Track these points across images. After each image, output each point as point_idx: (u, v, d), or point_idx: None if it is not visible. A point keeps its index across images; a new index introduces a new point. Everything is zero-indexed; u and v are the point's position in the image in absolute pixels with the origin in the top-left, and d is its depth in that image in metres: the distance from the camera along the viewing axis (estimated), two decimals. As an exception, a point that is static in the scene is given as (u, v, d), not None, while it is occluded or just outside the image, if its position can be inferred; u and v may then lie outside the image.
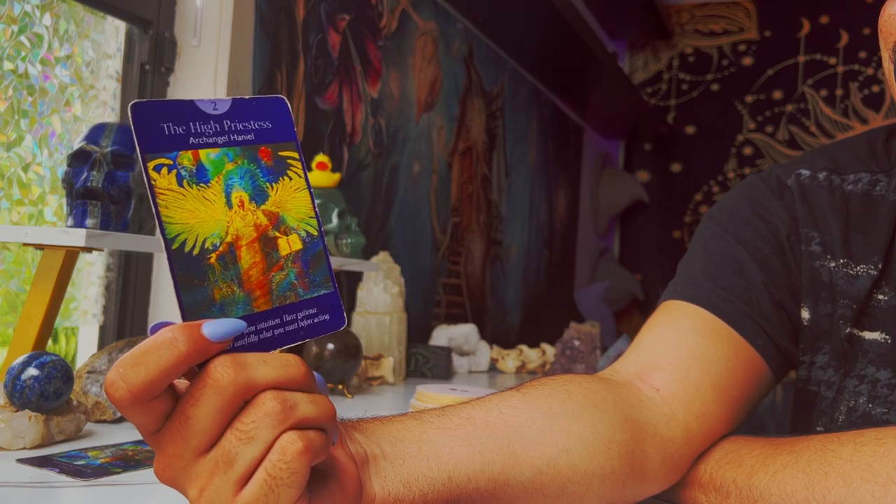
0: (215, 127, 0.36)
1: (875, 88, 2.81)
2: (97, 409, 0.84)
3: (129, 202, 0.86)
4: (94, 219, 0.84)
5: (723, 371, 0.58)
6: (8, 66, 1.01)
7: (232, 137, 0.36)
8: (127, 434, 0.80)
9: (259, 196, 0.36)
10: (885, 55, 0.58)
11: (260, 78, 1.30)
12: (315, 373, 0.36)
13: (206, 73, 1.23)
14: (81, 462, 0.67)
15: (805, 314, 0.63)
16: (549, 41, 2.14)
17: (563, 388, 0.52)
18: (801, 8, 2.94)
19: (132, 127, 0.34)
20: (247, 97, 0.38)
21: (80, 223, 0.84)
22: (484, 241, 2.20)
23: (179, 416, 0.32)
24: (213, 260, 0.34)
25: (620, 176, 3.11)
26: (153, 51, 1.21)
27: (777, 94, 2.97)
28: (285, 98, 0.39)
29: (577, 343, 1.49)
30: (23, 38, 1.04)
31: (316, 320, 0.37)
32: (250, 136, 0.37)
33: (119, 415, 0.85)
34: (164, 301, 1.23)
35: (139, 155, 0.34)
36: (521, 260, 2.48)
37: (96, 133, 0.86)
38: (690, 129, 3.13)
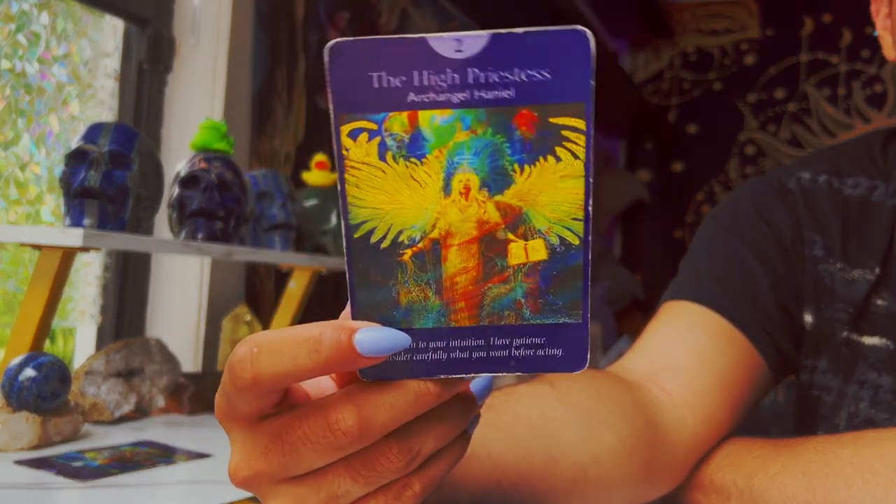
0: (453, 78, 0.25)
1: (878, 88, 2.80)
2: (95, 410, 0.84)
3: (127, 202, 0.86)
4: (92, 218, 0.83)
5: (728, 373, 0.58)
6: (5, 64, 1.01)
7: (477, 94, 0.25)
8: (125, 435, 0.79)
9: (496, 182, 0.26)
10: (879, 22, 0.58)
11: (259, 77, 1.30)
12: (478, 381, 0.30)
13: (204, 72, 1.22)
14: (79, 463, 0.66)
15: (808, 318, 0.63)
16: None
17: (593, 387, 0.52)
18: (803, 6, 2.93)
19: (327, 75, 0.25)
20: (518, 30, 0.25)
21: (77, 223, 0.83)
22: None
23: (283, 443, 0.28)
24: (406, 257, 0.27)
25: (621, 175, 3.11)
26: (151, 49, 1.21)
27: (779, 93, 2.97)
28: (587, 32, 0.25)
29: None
30: (20, 37, 1.03)
31: (539, 353, 0.28)
32: (508, 93, 0.25)
33: (117, 416, 0.85)
34: (162, 301, 1.22)
35: (331, 113, 0.26)
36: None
37: (94, 132, 0.86)
38: (692, 129, 3.12)
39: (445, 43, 0.25)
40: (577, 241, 0.27)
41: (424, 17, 1.83)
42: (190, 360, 1.17)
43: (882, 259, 0.61)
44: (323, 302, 1.27)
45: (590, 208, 0.26)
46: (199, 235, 0.94)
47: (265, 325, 1.18)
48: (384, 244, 0.27)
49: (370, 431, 0.27)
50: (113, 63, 1.19)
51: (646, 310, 3.14)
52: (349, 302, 0.28)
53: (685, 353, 0.58)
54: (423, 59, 0.25)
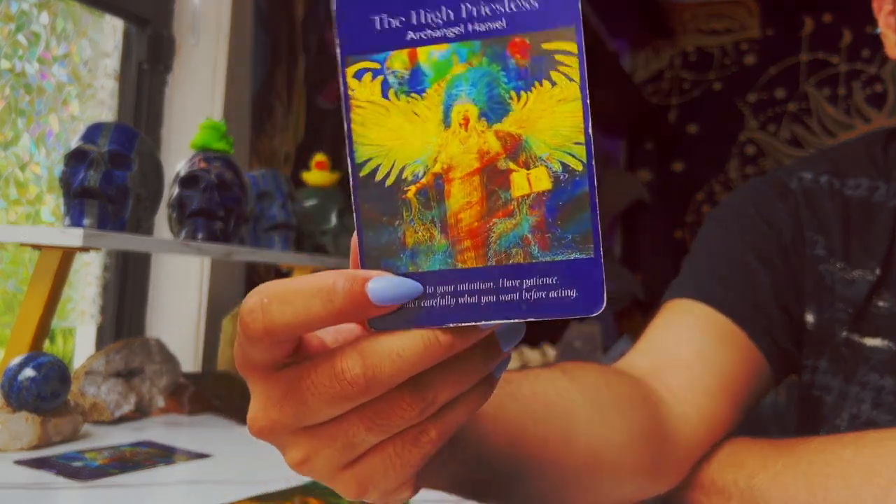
0: (447, 14, 0.27)
1: (878, 88, 2.80)
2: (95, 410, 0.84)
3: (127, 202, 0.86)
4: (92, 218, 0.83)
5: (730, 372, 0.58)
6: (5, 64, 1.01)
7: (471, 27, 0.26)
8: (125, 436, 0.79)
9: (494, 110, 0.27)
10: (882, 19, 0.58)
11: (259, 77, 1.30)
12: (507, 328, 0.29)
13: (204, 71, 1.22)
14: (79, 463, 0.66)
15: (810, 318, 0.63)
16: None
17: (603, 378, 0.52)
18: (803, 6, 2.93)
19: (335, 23, 0.27)
20: None
21: (77, 223, 0.83)
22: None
23: (294, 392, 0.28)
24: (410, 194, 0.27)
25: (622, 175, 3.11)
26: (151, 49, 1.21)
27: (779, 93, 2.97)
28: None
29: (577, 344, 1.49)
30: (20, 37, 1.03)
31: (552, 294, 0.26)
32: (500, 24, 0.26)
33: (117, 416, 0.85)
34: (162, 301, 1.22)
35: (338, 56, 0.27)
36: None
37: (94, 132, 0.86)
38: (692, 129, 3.12)
39: None
40: (580, 167, 0.26)
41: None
42: (190, 360, 1.17)
43: (883, 260, 0.61)
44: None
45: (590, 131, 0.26)
46: (199, 235, 0.94)
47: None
48: (388, 181, 0.27)
49: (378, 381, 0.27)
50: (113, 63, 1.19)
51: (646, 310, 3.14)
52: (358, 246, 0.28)
53: (688, 351, 0.58)
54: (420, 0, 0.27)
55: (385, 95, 0.27)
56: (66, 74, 1.11)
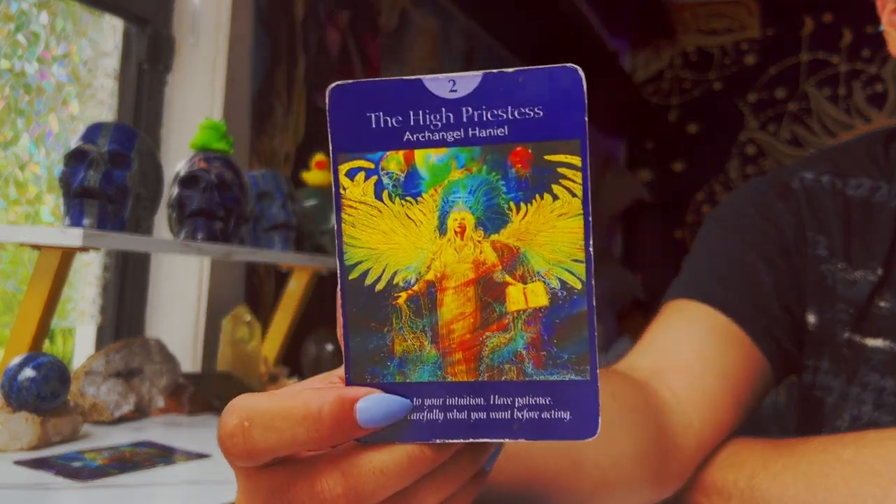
0: (448, 117, 0.26)
1: (878, 87, 2.80)
2: (94, 410, 0.84)
3: (127, 202, 0.85)
4: (91, 218, 0.83)
5: (731, 373, 0.58)
6: (5, 64, 1.01)
7: (471, 132, 0.26)
8: (124, 436, 0.79)
9: (492, 220, 0.26)
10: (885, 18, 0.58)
11: (259, 77, 1.30)
12: (494, 449, 0.28)
13: (204, 71, 1.22)
14: (78, 464, 0.66)
15: (811, 318, 0.63)
16: (550, 39, 2.13)
17: (608, 388, 0.51)
18: (803, 6, 2.93)
19: (328, 118, 0.26)
20: (510, 70, 0.26)
21: (77, 223, 0.83)
22: (485, 240, 2.19)
23: (276, 498, 0.27)
24: (401, 301, 0.26)
25: (622, 175, 3.11)
26: (151, 49, 1.21)
27: (779, 93, 2.97)
28: (579, 70, 0.26)
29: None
30: (20, 37, 1.03)
31: (544, 415, 0.26)
32: (502, 131, 0.26)
33: (117, 416, 0.85)
34: (162, 301, 1.22)
35: (331, 153, 0.26)
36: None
37: (93, 132, 0.86)
38: (692, 128, 3.12)
39: (440, 83, 0.26)
40: (578, 285, 0.25)
41: (424, 16, 1.83)
42: (190, 360, 1.17)
43: (885, 260, 0.61)
44: (323, 302, 1.27)
45: (590, 249, 0.25)
46: (199, 235, 0.94)
47: (265, 325, 1.18)
48: (379, 286, 0.26)
49: (360, 499, 0.26)
50: (112, 63, 1.19)
51: (646, 310, 3.14)
52: (343, 351, 0.27)
53: (690, 352, 0.58)
54: (419, 99, 0.26)
55: (378, 197, 0.26)
56: (66, 74, 1.11)
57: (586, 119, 0.25)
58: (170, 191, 0.96)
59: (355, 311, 0.26)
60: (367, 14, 1.60)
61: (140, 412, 0.89)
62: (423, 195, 0.26)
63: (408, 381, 0.26)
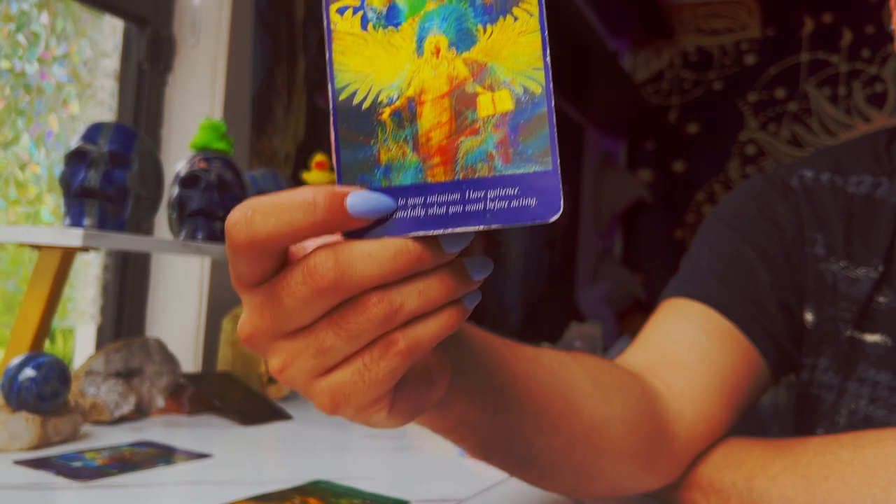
0: None
1: (878, 87, 2.80)
2: (94, 410, 0.84)
3: (127, 202, 0.86)
4: (92, 218, 0.83)
5: (727, 373, 0.58)
6: (5, 64, 1.01)
7: None
8: (124, 436, 0.79)
9: (463, 41, 0.30)
10: None
11: (259, 77, 1.30)
12: (476, 258, 0.31)
13: (204, 71, 1.22)
14: (78, 464, 0.66)
15: (809, 317, 0.63)
16: (549, 39, 2.13)
17: (605, 365, 0.52)
18: (803, 6, 2.93)
19: None
20: None
21: (77, 223, 0.83)
22: (484, 241, 2.19)
23: (271, 296, 0.29)
24: (385, 115, 0.29)
25: (622, 175, 3.10)
26: (151, 49, 1.21)
27: (779, 93, 2.97)
28: None
29: (577, 344, 1.49)
30: (20, 37, 1.03)
31: (513, 203, 0.29)
32: None
33: (117, 416, 0.85)
34: (162, 301, 1.22)
35: None
36: (522, 260, 2.47)
37: (93, 132, 0.86)
38: (692, 129, 3.12)
39: None
40: (539, 90, 0.29)
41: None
42: (190, 360, 1.17)
43: (885, 256, 0.61)
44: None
45: (548, 59, 0.29)
46: (199, 235, 0.94)
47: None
48: (365, 104, 0.30)
49: (348, 279, 0.28)
50: (112, 63, 1.19)
51: (646, 310, 3.14)
52: (335, 164, 0.30)
53: (686, 351, 0.58)
54: None
55: (364, 28, 0.30)
56: (66, 74, 1.11)
57: None
58: (170, 191, 0.96)
59: (345, 127, 0.30)
60: (367, 14, 1.60)
61: (140, 412, 0.89)
62: (403, 24, 0.30)
63: (392, 184, 0.29)
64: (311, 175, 1.26)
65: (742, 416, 0.60)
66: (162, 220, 1.02)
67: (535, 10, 0.29)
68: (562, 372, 0.46)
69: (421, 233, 0.29)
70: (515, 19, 0.29)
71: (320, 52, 1.45)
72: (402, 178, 0.29)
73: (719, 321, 0.60)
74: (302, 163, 1.39)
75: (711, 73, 3.10)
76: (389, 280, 0.29)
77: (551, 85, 0.29)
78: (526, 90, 0.29)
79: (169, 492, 0.62)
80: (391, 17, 0.30)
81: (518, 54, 0.29)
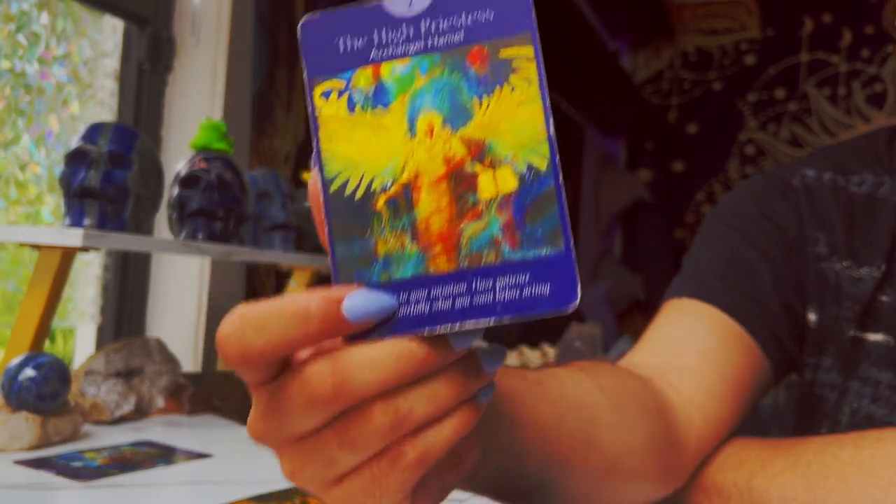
0: (408, 31, 0.28)
1: (878, 87, 2.80)
2: (95, 410, 0.84)
3: (127, 202, 0.86)
4: (92, 218, 0.83)
5: (733, 373, 0.58)
6: (5, 64, 1.01)
7: (431, 41, 0.28)
8: (124, 436, 0.79)
9: (457, 117, 0.27)
10: None
11: (259, 77, 1.30)
12: (489, 348, 0.29)
13: (204, 71, 1.22)
14: (79, 464, 0.66)
15: (812, 317, 0.63)
16: (549, 39, 2.13)
17: (619, 379, 0.51)
18: (803, 6, 2.93)
19: (301, 49, 0.28)
20: None
21: (77, 223, 0.83)
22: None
23: (272, 402, 0.27)
24: (380, 205, 0.27)
25: (622, 175, 3.11)
26: (151, 49, 1.21)
27: (779, 93, 2.97)
28: None
29: (577, 344, 1.49)
30: (20, 37, 1.03)
31: (525, 292, 0.26)
32: (458, 36, 0.27)
33: (117, 416, 0.85)
34: (162, 301, 1.22)
35: (305, 79, 0.28)
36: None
37: (93, 132, 0.86)
38: (692, 129, 3.12)
39: (398, 3, 0.28)
40: (544, 165, 0.27)
41: (424, 16, 1.83)
42: (190, 360, 1.17)
43: (887, 255, 0.61)
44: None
45: (552, 130, 0.27)
46: (199, 235, 0.94)
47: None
48: (358, 194, 0.28)
49: (348, 389, 0.26)
50: (113, 63, 1.19)
51: (646, 310, 3.14)
52: (330, 260, 0.28)
53: (693, 353, 0.58)
54: (381, 20, 0.28)
55: (351, 111, 0.28)
56: (66, 74, 1.11)
57: (534, 13, 0.27)
58: (170, 191, 0.96)
59: (338, 220, 0.28)
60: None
61: (140, 412, 0.89)
62: (392, 104, 0.28)
63: (393, 278, 0.27)
64: (311, 175, 1.26)
65: (747, 416, 0.60)
66: (162, 220, 1.02)
67: (534, 77, 0.27)
68: (585, 403, 0.45)
69: (426, 331, 0.26)
70: (513, 89, 0.27)
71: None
72: (403, 271, 0.27)
73: (725, 321, 0.59)
74: (302, 163, 1.39)
75: (711, 74, 3.10)
76: (394, 387, 0.26)
77: (557, 158, 0.27)
78: (530, 166, 0.27)
79: (169, 492, 0.62)
80: (379, 98, 0.28)
81: (518, 127, 0.27)
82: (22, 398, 0.71)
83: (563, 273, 0.26)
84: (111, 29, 1.19)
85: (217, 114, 1.20)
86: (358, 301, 0.26)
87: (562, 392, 0.44)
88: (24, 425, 0.70)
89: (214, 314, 1.19)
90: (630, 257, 3.26)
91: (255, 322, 0.26)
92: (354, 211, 0.27)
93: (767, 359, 0.60)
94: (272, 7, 1.32)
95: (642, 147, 3.23)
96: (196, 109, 1.22)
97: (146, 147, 0.89)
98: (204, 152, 0.96)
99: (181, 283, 1.21)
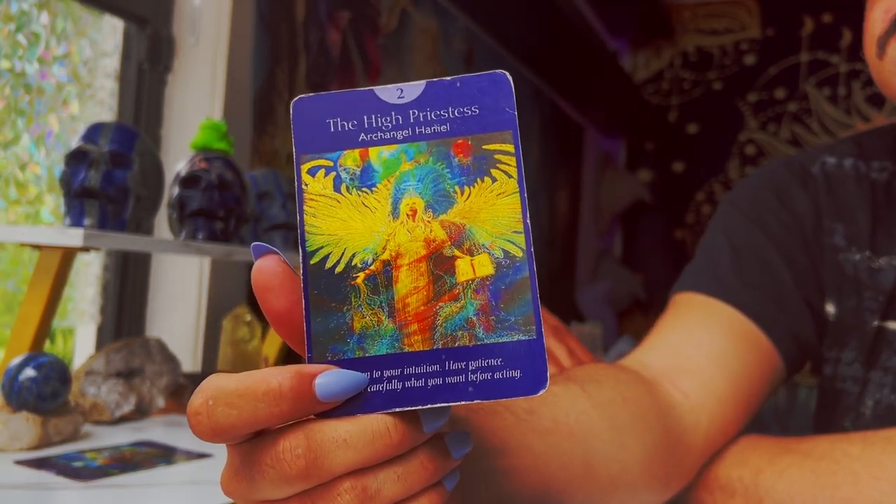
0: (397, 119, 0.29)
1: (878, 87, 2.80)
2: (95, 410, 0.84)
3: (127, 202, 0.86)
4: (92, 218, 0.83)
5: (745, 377, 0.57)
6: (5, 64, 1.01)
7: (418, 130, 0.29)
8: (125, 436, 0.79)
9: (440, 203, 0.29)
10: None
11: (260, 77, 1.30)
12: (455, 433, 0.29)
13: (204, 71, 1.22)
14: (79, 464, 0.66)
15: (830, 309, 0.61)
16: (550, 40, 2.13)
17: (618, 391, 0.50)
18: (803, 6, 2.93)
19: (292, 126, 0.29)
20: (449, 77, 0.30)
21: (77, 223, 0.83)
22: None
23: (245, 471, 0.27)
24: (359, 280, 0.28)
25: (622, 175, 3.10)
26: (151, 49, 1.21)
27: (779, 93, 2.97)
28: (507, 74, 0.30)
29: (578, 343, 1.48)
30: (20, 37, 1.03)
31: (496, 375, 0.27)
32: (444, 128, 0.29)
33: (117, 416, 0.85)
34: (162, 301, 1.22)
35: (294, 155, 0.29)
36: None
37: (94, 132, 0.86)
38: (692, 129, 3.12)
39: (389, 91, 0.29)
40: (520, 254, 0.28)
41: (424, 16, 1.83)
42: (190, 360, 1.17)
43: None
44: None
45: (528, 221, 0.28)
46: (199, 235, 0.94)
47: (265, 326, 1.18)
48: (338, 268, 0.28)
49: (319, 467, 0.26)
50: (113, 63, 1.19)
51: (646, 310, 3.14)
52: (305, 333, 0.28)
53: (704, 355, 0.56)
54: (371, 106, 0.29)
55: (337, 189, 0.29)
56: (66, 74, 1.11)
57: (516, 113, 0.29)
58: (170, 191, 0.96)
59: (316, 293, 0.28)
60: (368, 14, 1.60)
61: (140, 412, 0.89)
62: (378, 185, 0.29)
63: (367, 354, 0.28)
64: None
65: (755, 415, 0.59)
66: (162, 220, 1.02)
67: (514, 172, 0.29)
68: (580, 429, 0.45)
69: (398, 410, 0.27)
70: (494, 181, 0.29)
71: (321, 53, 1.45)
72: (378, 348, 0.28)
73: (741, 322, 0.58)
74: (302, 163, 1.39)
75: (711, 74, 3.10)
76: (366, 462, 0.27)
77: (532, 248, 0.28)
78: (506, 254, 0.28)
79: (169, 492, 0.62)
80: (365, 179, 0.29)
81: (497, 217, 0.28)
82: (22, 398, 0.71)
83: (534, 359, 0.27)
84: (111, 29, 1.19)
85: (217, 114, 1.20)
86: (332, 380, 0.26)
87: (554, 420, 0.44)
88: (24, 425, 0.70)
89: (214, 314, 1.19)
90: (630, 257, 3.26)
91: (226, 399, 0.26)
92: (333, 284, 0.28)
93: (783, 359, 0.59)
94: (272, 7, 1.32)
95: (642, 147, 3.23)
96: (196, 109, 1.22)
97: (146, 147, 0.89)
98: (204, 152, 0.96)
99: (181, 283, 1.21)
